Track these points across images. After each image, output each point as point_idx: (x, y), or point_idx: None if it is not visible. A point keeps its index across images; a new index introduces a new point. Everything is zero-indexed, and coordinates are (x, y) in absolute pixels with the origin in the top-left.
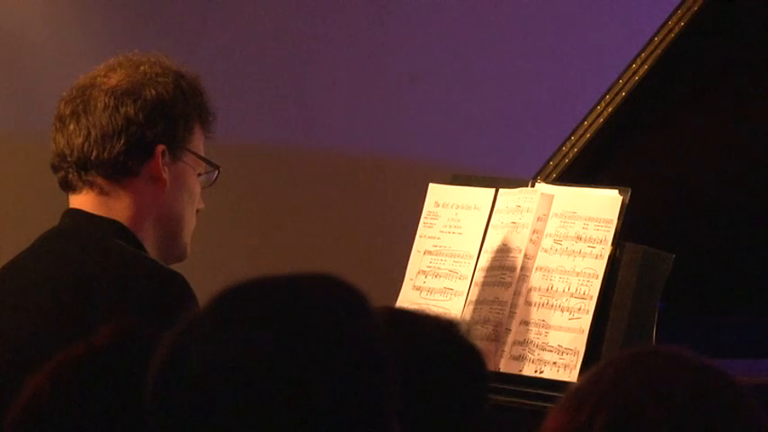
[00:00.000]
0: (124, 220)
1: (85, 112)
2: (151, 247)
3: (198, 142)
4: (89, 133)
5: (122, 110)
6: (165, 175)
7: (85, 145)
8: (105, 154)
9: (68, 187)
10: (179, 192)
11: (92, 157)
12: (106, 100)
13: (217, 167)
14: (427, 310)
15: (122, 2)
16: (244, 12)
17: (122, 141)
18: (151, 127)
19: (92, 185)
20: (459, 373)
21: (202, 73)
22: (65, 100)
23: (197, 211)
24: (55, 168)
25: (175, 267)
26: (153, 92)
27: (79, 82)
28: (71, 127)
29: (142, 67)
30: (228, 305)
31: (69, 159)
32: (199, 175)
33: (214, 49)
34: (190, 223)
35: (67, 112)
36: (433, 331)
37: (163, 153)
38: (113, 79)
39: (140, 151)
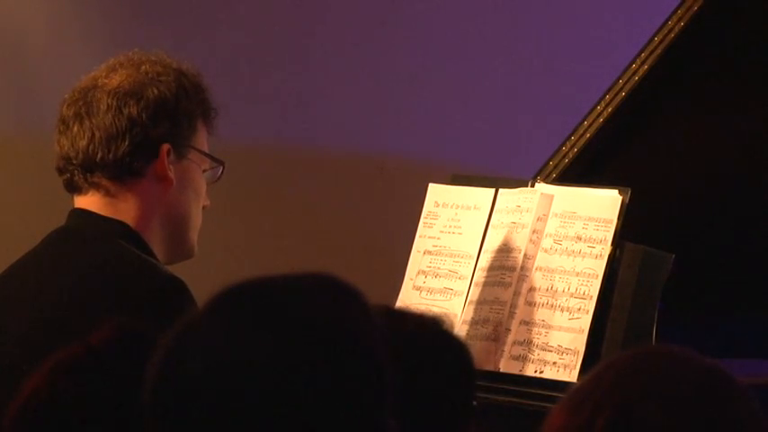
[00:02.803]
0: (130, 220)
1: (88, 113)
2: (158, 247)
3: (202, 139)
4: (93, 135)
5: (125, 111)
6: (171, 174)
7: (90, 147)
8: (110, 155)
9: (74, 189)
10: (185, 190)
11: (97, 159)
12: (109, 101)
13: (221, 163)
14: (414, 308)
15: (122, 2)
16: (243, 11)
17: (127, 142)
18: (155, 126)
19: (97, 187)
20: (445, 368)
21: (202, 72)
22: (67, 102)
23: (203, 207)
24: (60, 171)
25: (174, 267)
26: (155, 91)
27: (81, 84)
28: (75, 129)
29: (143, 67)
30: (227, 305)
31: (74, 162)
32: (204, 171)
33: (214, 49)
34: (196, 221)
35: (70, 115)
36: (418, 328)
37: (168, 152)
38: (115, 80)
39: (145, 151)
